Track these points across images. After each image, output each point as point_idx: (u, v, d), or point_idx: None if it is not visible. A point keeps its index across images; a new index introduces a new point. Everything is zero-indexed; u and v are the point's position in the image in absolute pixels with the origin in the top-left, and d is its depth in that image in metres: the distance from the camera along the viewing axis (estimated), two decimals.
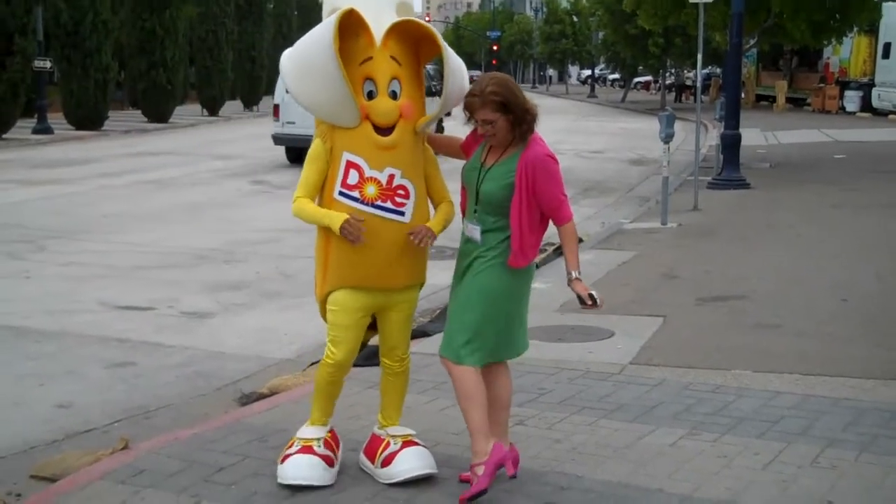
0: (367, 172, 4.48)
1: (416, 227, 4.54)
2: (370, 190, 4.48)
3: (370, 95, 4.50)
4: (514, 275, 4.47)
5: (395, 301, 4.69)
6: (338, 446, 4.83)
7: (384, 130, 4.51)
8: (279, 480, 4.63)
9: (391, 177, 4.51)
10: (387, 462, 4.68)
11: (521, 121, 4.37)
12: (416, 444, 4.75)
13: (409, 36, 4.64)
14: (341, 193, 4.49)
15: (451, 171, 4.77)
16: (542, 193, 4.37)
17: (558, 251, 11.11)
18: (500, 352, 4.59)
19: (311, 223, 4.56)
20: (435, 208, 4.75)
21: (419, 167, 4.64)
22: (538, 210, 4.42)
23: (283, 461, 4.68)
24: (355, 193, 4.48)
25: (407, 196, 4.56)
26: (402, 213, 4.54)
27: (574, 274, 4.40)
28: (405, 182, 4.55)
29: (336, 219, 4.43)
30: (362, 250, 4.48)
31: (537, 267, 10.19)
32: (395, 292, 4.66)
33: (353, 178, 4.49)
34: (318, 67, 4.40)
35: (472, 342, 4.44)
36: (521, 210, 4.37)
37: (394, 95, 4.55)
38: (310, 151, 4.59)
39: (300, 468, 4.62)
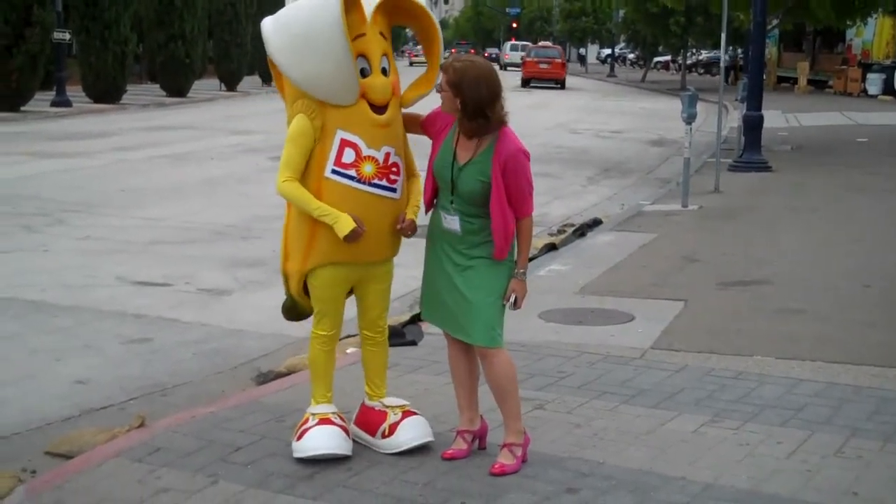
0: (365, 151, 4.49)
1: (407, 222, 4.63)
2: (367, 168, 4.49)
3: (363, 73, 4.48)
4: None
5: (374, 273, 4.73)
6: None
7: (379, 108, 4.53)
8: (298, 455, 4.59)
9: (387, 155, 4.55)
10: (389, 433, 4.72)
11: (474, 114, 4.34)
12: (415, 413, 4.79)
13: (397, 11, 4.64)
14: (335, 171, 4.45)
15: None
16: (510, 187, 4.41)
17: (577, 232, 11.04)
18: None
19: (305, 210, 4.47)
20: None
21: (404, 143, 4.71)
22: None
23: (299, 438, 4.64)
24: (351, 172, 4.47)
25: (399, 173, 4.62)
26: (394, 191, 4.60)
27: (520, 272, 4.50)
28: (397, 159, 4.61)
29: (344, 224, 4.40)
30: None
31: (556, 248, 10.13)
32: (375, 265, 4.70)
33: (349, 156, 4.47)
34: (320, 42, 4.33)
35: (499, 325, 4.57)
36: (501, 204, 4.39)
37: (384, 72, 4.55)
38: (292, 128, 4.47)
39: (321, 438, 4.58)
